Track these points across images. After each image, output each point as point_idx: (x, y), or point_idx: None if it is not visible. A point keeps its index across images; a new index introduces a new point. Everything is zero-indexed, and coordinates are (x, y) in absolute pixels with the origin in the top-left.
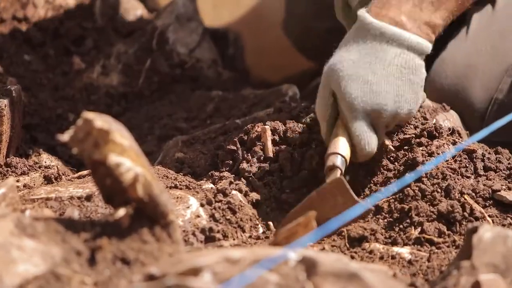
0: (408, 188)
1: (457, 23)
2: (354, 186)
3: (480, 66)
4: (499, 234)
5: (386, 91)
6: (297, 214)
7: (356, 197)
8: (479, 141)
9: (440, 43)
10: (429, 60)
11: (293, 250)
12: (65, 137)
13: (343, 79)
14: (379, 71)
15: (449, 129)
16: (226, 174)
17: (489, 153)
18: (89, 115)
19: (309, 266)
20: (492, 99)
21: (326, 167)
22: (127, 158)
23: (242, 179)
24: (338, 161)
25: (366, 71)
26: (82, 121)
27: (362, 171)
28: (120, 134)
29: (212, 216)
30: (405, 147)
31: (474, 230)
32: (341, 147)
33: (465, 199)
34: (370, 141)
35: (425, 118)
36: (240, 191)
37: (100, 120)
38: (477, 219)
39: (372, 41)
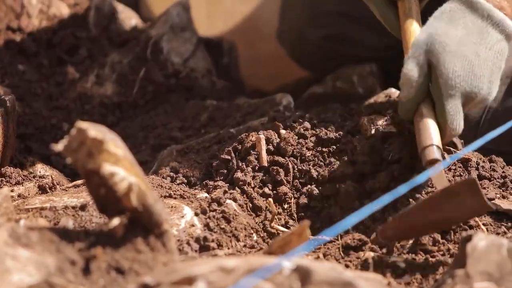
0: (403, 198)
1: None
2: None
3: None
4: (493, 242)
5: (484, 75)
6: (414, 214)
7: (487, 201)
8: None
9: None
10: None
11: (288, 259)
12: (59, 146)
13: (447, 54)
14: (482, 53)
15: None
16: (220, 183)
17: (484, 161)
18: (83, 124)
19: (303, 275)
20: (486, 108)
21: (426, 161)
22: (121, 168)
23: (237, 188)
24: (438, 154)
25: (471, 51)
26: (76, 130)
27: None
28: (114, 144)
29: (206, 225)
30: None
31: (468, 238)
32: (434, 135)
33: None
34: (460, 122)
35: None
36: (234, 200)
37: (94, 130)
38: (471, 227)
39: (479, 20)
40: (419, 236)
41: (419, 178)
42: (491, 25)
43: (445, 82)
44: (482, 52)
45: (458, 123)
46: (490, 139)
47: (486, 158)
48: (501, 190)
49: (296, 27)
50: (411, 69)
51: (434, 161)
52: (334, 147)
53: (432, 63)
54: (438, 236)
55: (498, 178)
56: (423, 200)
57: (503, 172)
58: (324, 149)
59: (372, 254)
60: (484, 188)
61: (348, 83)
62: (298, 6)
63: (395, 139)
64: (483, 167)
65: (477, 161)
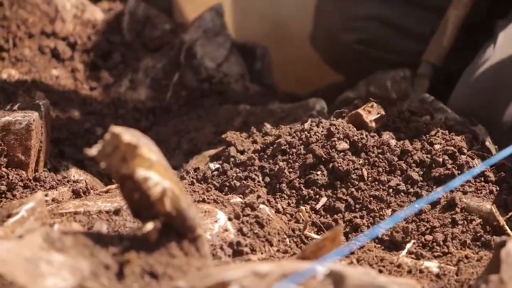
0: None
1: (484, 37)
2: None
3: (508, 79)
4: None
5: None
6: None
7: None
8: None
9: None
10: (457, 72)
11: (321, 264)
12: (93, 151)
13: None
14: None
15: (478, 143)
16: (254, 188)
17: None
18: (116, 129)
19: (337, 280)
20: None
21: None
22: (155, 172)
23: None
24: None
25: None
26: (110, 135)
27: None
28: (148, 148)
29: (240, 230)
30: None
31: (503, 244)
32: None
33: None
34: None
35: (451, 132)
36: (268, 204)
37: (128, 134)
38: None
39: None
40: None
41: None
42: None
43: None
44: None
45: None
46: None
47: None
48: None
49: (330, 31)
50: None
51: None
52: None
53: None
54: (470, 241)
55: None
56: None
57: None
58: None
59: (405, 259)
60: None
61: (381, 88)
62: (333, 10)
63: None
64: None
65: (511, 167)
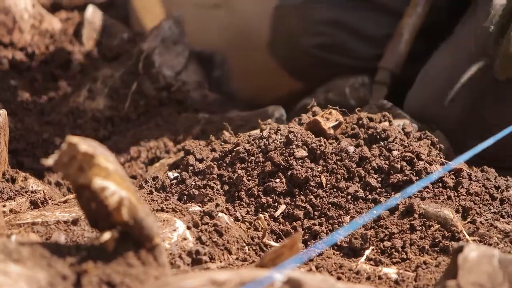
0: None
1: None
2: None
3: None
4: (484, 253)
5: None
6: None
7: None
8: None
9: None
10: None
11: (279, 271)
12: (50, 161)
13: None
14: None
15: (436, 149)
16: (212, 196)
17: (476, 172)
18: (73, 139)
19: (295, 287)
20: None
21: None
22: (112, 182)
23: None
24: None
25: None
26: (67, 145)
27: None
28: (105, 158)
29: (198, 239)
30: (391, 165)
31: (460, 249)
32: None
33: (452, 219)
34: None
35: (409, 138)
36: (226, 213)
37: (85, 144)
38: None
39: None
40: None
41: (411, 188)
42: None
43: None
44: None
45: None
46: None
47: (478, 169)
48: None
49: (290, 35)
50: None
51: None
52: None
53: None
54: (428, 247)
55: (491, 188)
56: None
57: (496, 182)
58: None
59: (364, 266)
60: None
61: (340, 94)
62: (292, 16)
63: None
64: (476, 176)
65: (469, 172)
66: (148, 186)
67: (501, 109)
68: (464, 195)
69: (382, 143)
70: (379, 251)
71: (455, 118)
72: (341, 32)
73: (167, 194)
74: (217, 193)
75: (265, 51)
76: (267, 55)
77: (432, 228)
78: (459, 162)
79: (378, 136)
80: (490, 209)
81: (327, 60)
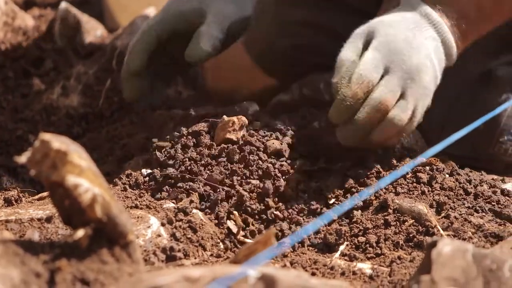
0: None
1: None
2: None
3: None
4: (458, 248)
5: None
6: None
7: None
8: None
9: None
10: None
11: (253, 267)
12: (22, 158)
13: (384, 24)
14: (417, 37)
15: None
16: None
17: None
18: (46, 136)
19: (268, 283)
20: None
21: None
22: (85, 179)
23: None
24: None
25: (406, 29)
26: (40, 142)
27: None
28: (78, 155)
29: (173, 235)
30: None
31: (434, 244)
32: None
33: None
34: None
35: None
36: (201, 209)
37: (58, 141)
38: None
39: (418, 16)
40: None
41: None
42: (428, 23)
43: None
44: (417, 36)
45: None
46: (454, 144)
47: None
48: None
49: (267, 35)
50: (346, 52)
51: None
52: None
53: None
54: (402, 242)
55: (464, 182)
56: None
57: (469, 177)
58: None
59: (339, 261)
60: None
61: (314, 90)
62: (268, 15)
63: None
64: (450, 171)
65: (442, 167)
66: (122, 183)
67: (476, 110)
68: (438, 190)
69: None
70: (354, 246)
71: (435, 116)
72: (315, 33)
73: (141, 191)
74: (191, 190)
75: (239, 47)
76: (242, 50)
77: (406, 223)
78: (428, 155)
79: None
80: (464, 204)
81: (302, 60)
